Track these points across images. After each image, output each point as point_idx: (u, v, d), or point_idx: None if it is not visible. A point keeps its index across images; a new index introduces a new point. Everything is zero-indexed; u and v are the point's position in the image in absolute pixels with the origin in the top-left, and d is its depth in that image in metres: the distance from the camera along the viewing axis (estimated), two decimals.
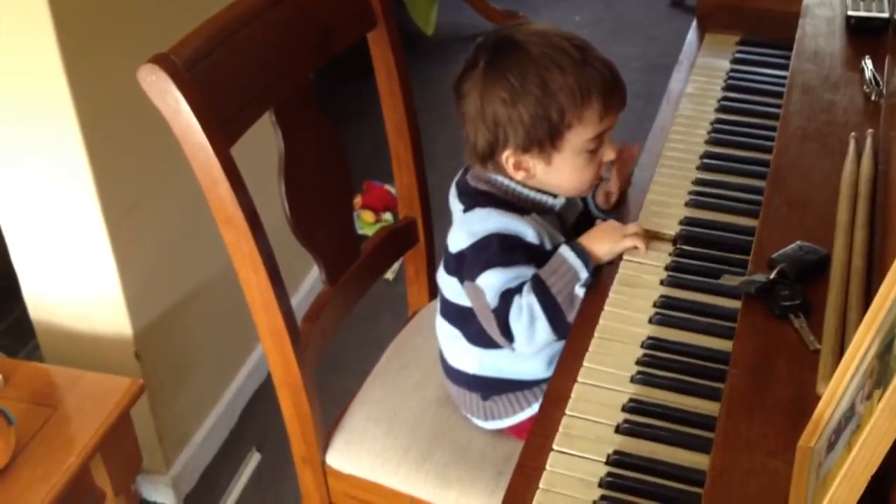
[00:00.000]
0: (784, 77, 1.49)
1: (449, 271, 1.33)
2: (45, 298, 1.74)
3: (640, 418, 1.06)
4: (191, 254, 1.84)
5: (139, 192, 1.66)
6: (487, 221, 1.25)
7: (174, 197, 1.73)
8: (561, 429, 1.06)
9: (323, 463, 1.41)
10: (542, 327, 1.21)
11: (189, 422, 1.94)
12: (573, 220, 1.37)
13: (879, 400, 0.71)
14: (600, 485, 0.99)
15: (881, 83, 1.40)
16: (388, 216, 2.61)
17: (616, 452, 1.02)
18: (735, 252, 1.25)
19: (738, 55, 1.70)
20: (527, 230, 1.24)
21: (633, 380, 1.10)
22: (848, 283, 1.06)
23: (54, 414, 1.50)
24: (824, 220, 1.16)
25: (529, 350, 1.25)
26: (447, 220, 1.33)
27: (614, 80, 1.22)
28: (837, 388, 0.86)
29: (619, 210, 1.38)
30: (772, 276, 1.07)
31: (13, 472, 1.41)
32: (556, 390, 1.11)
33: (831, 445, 0.81)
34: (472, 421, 1.39)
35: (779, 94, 1.50)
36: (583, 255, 1.23)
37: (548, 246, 1.27)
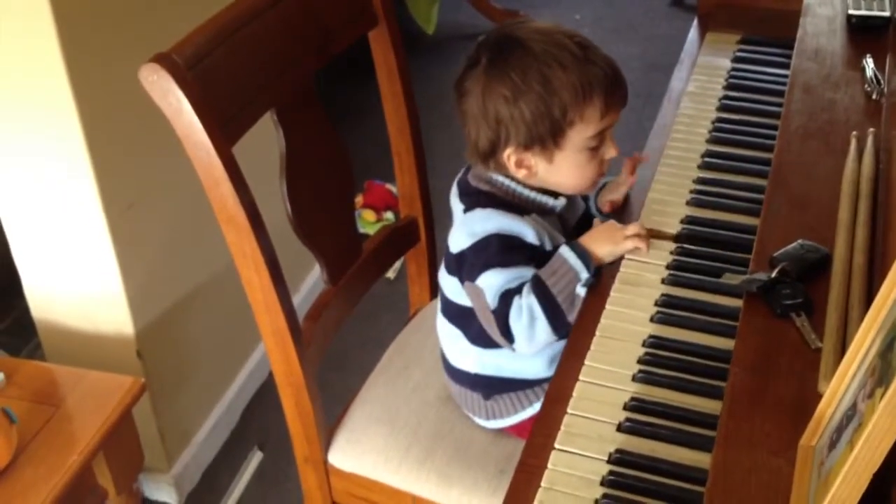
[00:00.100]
0: (785, 76, 1.49)
1: (450, 271, 1.33)
2: (46, 297, 1.75)
3: (641, 417, 1.06)
4: (192, 253, 1.84)
5: (140, 191, 1.66)
6: (488, 222, 1.25)
7: (175, 196, 1.74)
8: (563, 427, 1.06)
9: (325, 461, 1.41)
10: (542, 327, 1.21)
11: (191, 420, 1.94)
12: (575, 220, 1.37)
13: (881, 398, 0.71)
14: (602, 483, 0.99)
15: (882, 82, 1.40)
16: (389, 215, 2.61)
17: (618, 451, 1.02)
18: (736, 251, 1.25)
19: (740, 54, 1.70)
20: (527, 230, 1.24)
21: (634, 378, 1.10)
22: (849, 281, 1.06)
23: (56, 413, 1.50)
24: (826, 219, 1.16)
25: (530, 350, 1.26)
26: (449, 219, 1.33)
27: (616, 77, 1.22)
28: (839, 386, 0.86)
29: (620, 209, 1.38)
30: (773, 274, 1.07)
31: (15, 470, 1.41)
32: (557, 389, 1.11)
33: (833, 444, 0.81)
34: (474, 420, 1.39)
35: (780, 93, 1.50)
36: (583, 255, 1.23)
37: (548, 246, 1.27)
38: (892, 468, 0.72)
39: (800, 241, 1.13)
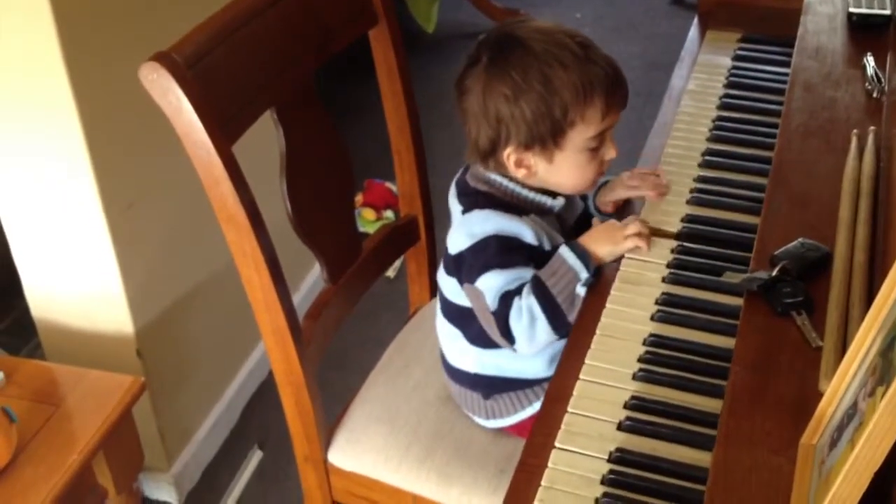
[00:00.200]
0: (786, 74, 1.49)
1: (448, 272, 1.33)
2: (46, 296, 1.75)
3: (642, 415, 1.06)
4: (192, 252, 1.84)
5: (140, 190, 1.66)
6: (486, 223, 1.24)
7: (175, 195, 1.73)
8: (563, 426, 1.06)
9: (325, 460, 1.41)
10: (543, 328, 1.21)
11: (191, 419, 1.94)
12: (573, 220, 1.37)
13: (882, 397, 0.71)
14: (602, 482, 0.99)
15: (883, 80, 1.40)
16: (389, 214, 2.61)
17: (618, 449, 1.02)
18: (737, 249, 1.25)
19: (740, 52, 1.70)
20: (525, 231, 1.24)
21: (635, 377, 1.10)
22: (850, 280, 1.06)
23: (56, 412, 1.50)
24: (826, 217, 1.16)
25: (530, 350, 1.25)
26: (449, 219, 1.33)
27: (617, 77, 1.22)
28: (840, 385, 0.86)
29: (621, 209, 1.38)
30: (774, 273, 1.07)
31: (15, 470, 1.41)
32: (557, 388, 1.11)
33: (834, 442, 0.81)
34: (474, 420, 1.39)
35: (780, 92, 1.50)
36: (583, 255, 1.22)
37: (547, 246, 1.26)
38: (893, 467, 0.72)
39: (800, 239, 1.13)
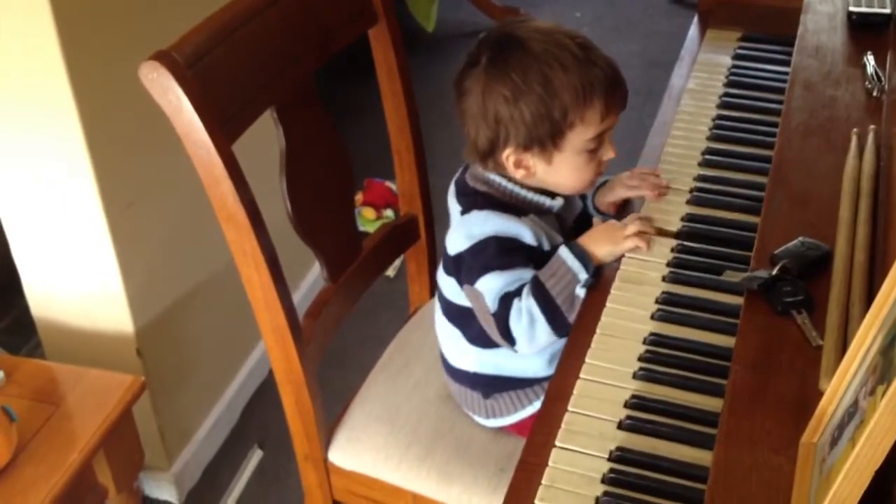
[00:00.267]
0: (786, 73, 1.49)
1: (448, 272, 1.33)
2: (46, 295, 1.75)
3: (642, 414, 1.06)
4: (192, 251, 1.84)
5: (140, 189, 1.66)
6: (485, 224, 1.24)
7: (175, 194, 1.73)
8: (563, 425, 1.06)
9: (325, 459, 1.41)
10: (543, 329, 1.21)
11: (191, 419, 1.94)
12: (572, 220, 1.37)
13: (883, 396, 0.71)
14: (603, 481, 0.99)
15: (883, 79, 1.40)
16: (389, 213, 2.61)
17: (618, 448, 1.02)
18: (737, 248, 1.25)
19: (740, 51, 1.70)
20: (525, 232, 1.24)
21: (635, 376, 1.10)
22: (850, 278, 1.06)
23: (56, 411, 1.50)
24: (826, 216, 1.16)
25: (531, 351, 1.25)
26: (449, 217, 1.33)
27: (616, 79, 1.22)
28: (840, 384, 0.86)
29: (621, 208, 1.38)
30: (774, 272, 1.07)
31: (15, 469, 1.41)
32: (558, 387, 1.11)
33: (834, 441, 0.81)
34: (474, 419, 1.39)
35: (780, 91, 1.50)
36: (582, 256, 1.22)
37: (546, 247, 1.26)
38: (893, 466, 0.72)
39: (801, 238, 1.13)
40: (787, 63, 1.53)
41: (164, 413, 1.82)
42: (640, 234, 1.26)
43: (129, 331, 1.72)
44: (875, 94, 1.38)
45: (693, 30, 1.79)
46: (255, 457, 2.01)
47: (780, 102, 1.44)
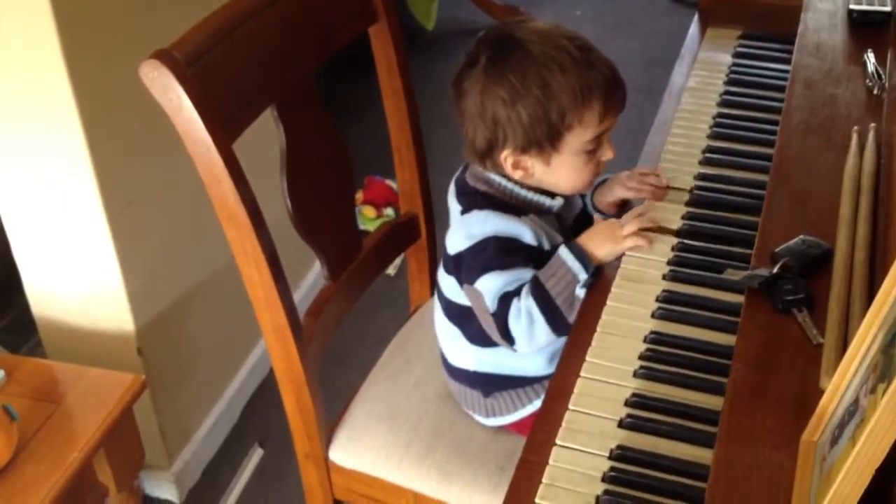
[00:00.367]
0: (786, 71, 1.49)
1: (447, 271, 1.33)
2: (47, 294, 1.75)
3: (642, 413, 1.06)
4: (193, 250, 1.84)
5: (140, 188, 1.66)
6: (485, 224, 1.24)
7: (176, 193, 1.73)
8: (564, 423, 1.06)
9: (326, 458, 1.41)
10: (542, 329, 1.21)
11: (191, 417, 1.94)
12: (572, 219, 1.37)
13: (883, 394, 0.71)
14: (603, 479, 0.99)
15: (883, 77, 1.40)
16: (389, 211, 2.61)
17: (619, 447, 1.02)
18: (738, 246, 1.25)
19: (740, 49, 1.70)
20: (524, 231, 1.24)
21: (635, 374, 1.10)
22: (851, 277, 1.06)
23: (57, 410, 1.50)
24: (827, 215, 1.16)
25: (530, 350, 1.25)
26: (449, 216, 1.33)
27: (615, 81, 1.22)
28: (841, 382, 0.86)
29: (622, 208, 1.38)
30: (775, 270, 1.07)
31: (16, 468, 1.41)
32: (558, 385, 1.11)
33: (835, 439, 0.81)
34: (474, 418, 1.39)
35: (781, 89, 1.50)
36: (582, 256, 1.22)
37: (546, 246, 1.26)
38: (894, 464, 0.72)
39: (801, 236, 1.13)
40: (787, 61, 1.53)
41: (165, 412, 1.82)
42: (640, 232, 1.25)
43: (129, 330, 1.72)
44: (875, 92, 1.38)
45: (693, 28, 1.79)
46: (256, 456, 2.01)
47: (781, 101, 1.44)
